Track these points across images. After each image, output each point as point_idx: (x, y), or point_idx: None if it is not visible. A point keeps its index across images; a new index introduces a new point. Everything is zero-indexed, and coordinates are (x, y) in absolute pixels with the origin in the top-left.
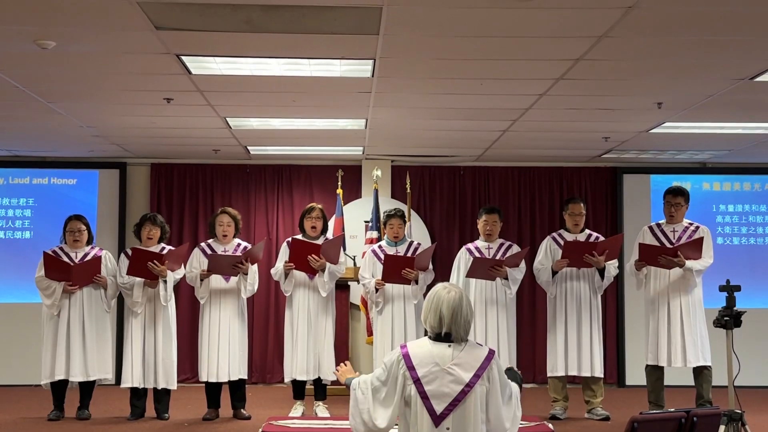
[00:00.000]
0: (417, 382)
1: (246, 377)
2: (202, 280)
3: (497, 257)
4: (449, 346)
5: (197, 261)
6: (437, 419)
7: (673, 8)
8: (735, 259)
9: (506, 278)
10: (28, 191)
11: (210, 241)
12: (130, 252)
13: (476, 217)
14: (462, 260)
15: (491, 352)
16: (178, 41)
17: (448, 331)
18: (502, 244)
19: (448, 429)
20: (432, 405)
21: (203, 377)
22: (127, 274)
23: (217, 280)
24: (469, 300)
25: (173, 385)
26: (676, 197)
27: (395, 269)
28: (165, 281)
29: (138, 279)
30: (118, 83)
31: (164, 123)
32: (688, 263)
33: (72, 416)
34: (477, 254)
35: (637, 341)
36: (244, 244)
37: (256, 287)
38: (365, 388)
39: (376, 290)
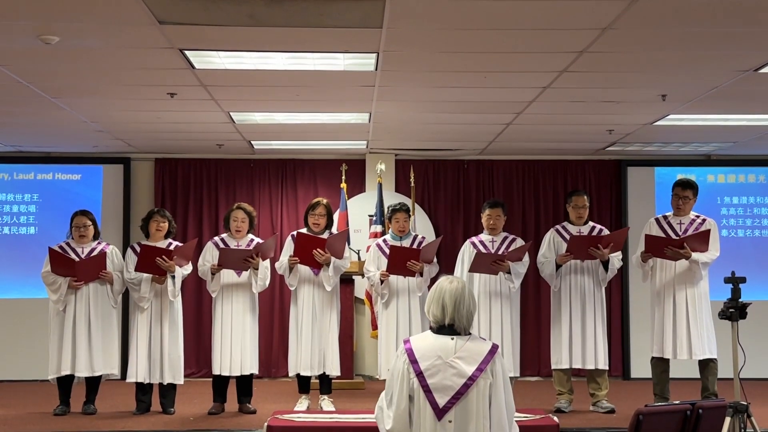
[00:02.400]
0: (419, 375)
1: (257, 371)
2: (213, 274)
3: (501, 251)
4: (452, 339)
5: (210, 254)
6: (440, 412)
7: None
8: (740, 251)
9: (509, 272)
10: (33, 187)
11: (224, 235)
12: (137, 247)
13: (480, 211)
14: (466, 253)
15: (494, 347)
16: (182, 36)
17: (451, 321)
18: (506, 238)
19: (450, 422)
20: (434, 398)
21: (216, 370)
22: (135, 270)
23: (228, 275)
24: (472, 292)
25: (180, 380)
26: (684, 190)
27: (400, 261)
28: (173, 277)
29: (146, 274)
30: (122, 78)
31: (168, 118)
32: (695, 255)
33: (78, 411)
34: (481, 248)
35: (641, 334)
36: (257, 239)
37: (267, 282)
38: (381, 402)
39: (381, 282)
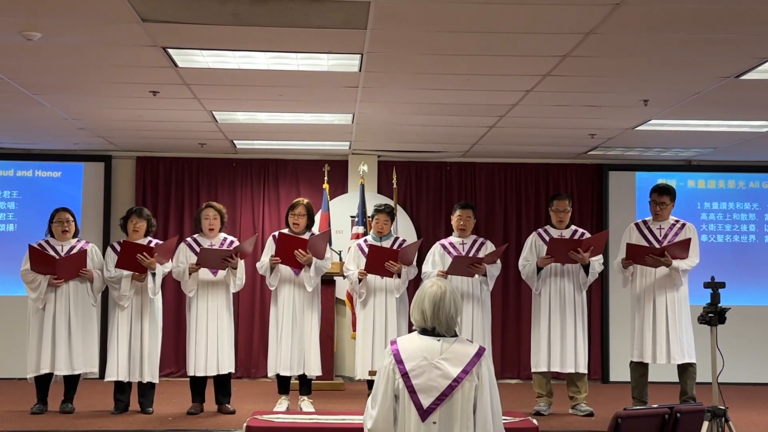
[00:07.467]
0: (405, 375)
1: (233, 371)
2: (190, 274)
3: (471, 253)
4: (438, 340)
5: (184, 256)
6: (424, 413)
7: (660, 5)
8: (719, 256)
9: (485, 275)
10: (13, 184)
11: (196, 235)
12: (117, 245)
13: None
14: (436, 254)
15: (481, 349)
16: (165, 34)
17: (432, 325)
18: (475, 240)
19: (434, 423)
20: (419, 399)
21: (191, 371)
22: (116, 267)
23: (204, 274)
24: (456, 295)
25: (156, 379)
26: (661, 196)
27: (379, 260)
28: (153, 274)
29: (126, 272)
30: (104, 76)
31: (150, 116)
32: (675, 263)
33: (55, 410)
34: (451, 249)
35: (621, 337)
36: (230, 238)
37: (243, 282)
38: (368, 402)
39: (359, 281)
